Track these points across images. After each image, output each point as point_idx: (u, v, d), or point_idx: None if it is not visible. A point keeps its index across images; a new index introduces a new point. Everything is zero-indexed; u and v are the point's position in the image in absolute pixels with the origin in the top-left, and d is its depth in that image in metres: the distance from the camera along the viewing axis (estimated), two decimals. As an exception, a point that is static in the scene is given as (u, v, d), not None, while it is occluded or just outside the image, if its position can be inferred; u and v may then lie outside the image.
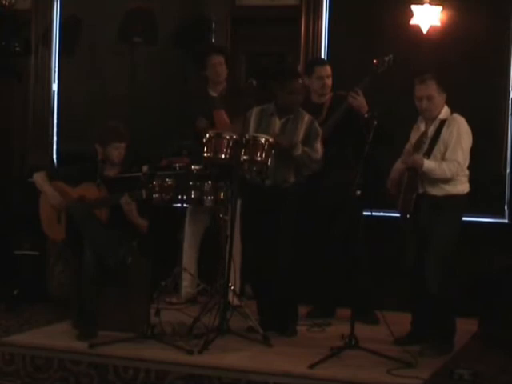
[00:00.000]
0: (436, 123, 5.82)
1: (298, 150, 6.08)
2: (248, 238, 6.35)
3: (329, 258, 6.66)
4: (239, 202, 6.32)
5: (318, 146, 6.20)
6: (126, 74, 8.07)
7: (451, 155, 5.74)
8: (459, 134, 5.77)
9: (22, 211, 7.35)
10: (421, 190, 5.81)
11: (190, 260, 7.18)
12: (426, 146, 5.78)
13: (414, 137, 5.96)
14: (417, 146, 5.80)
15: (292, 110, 6.21)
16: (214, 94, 7.03)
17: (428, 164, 5.71)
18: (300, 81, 6.26)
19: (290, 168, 6.17)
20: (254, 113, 6.26)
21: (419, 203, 5.80)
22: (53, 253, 6.73)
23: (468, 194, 5.87)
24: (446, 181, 5.76)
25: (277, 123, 6.22)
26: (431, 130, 5.83)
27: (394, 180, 5.97)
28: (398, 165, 6.00)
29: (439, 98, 5.81)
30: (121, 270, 6.09)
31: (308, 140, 6.17)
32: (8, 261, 7.24)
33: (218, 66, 7.03)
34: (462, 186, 5.84)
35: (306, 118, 6.24)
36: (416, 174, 5.77)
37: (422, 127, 5.90)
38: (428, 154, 5.76)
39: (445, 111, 5.85)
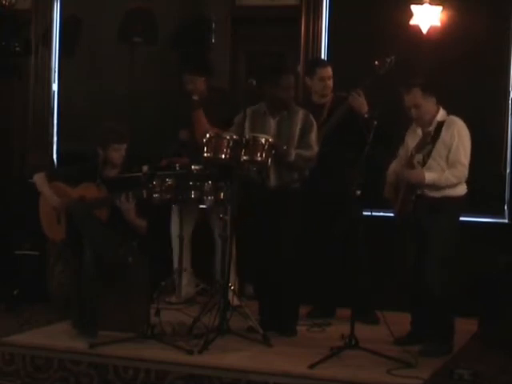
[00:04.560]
0: (434, 125, 5.78)
1: (292, 157, 6.08)
2: (251, 239, 6.34)
3: (329, 258, 6.67)
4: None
5: (312, 137, 6.17)
6: (126, 74, 8.06)
7: (454, 157, 5.71)
8: (460, 136, 5.75)
9: (22, 211, 7.35)
10: (419, 192, 5.79)
11: (185, 259, 7.16)
12: (429, 147, 5.71)
13: (410, 140, 5.91)
14: (419, 147, 5.72)
15: (286, 106, 6.19)
16: (194, 97, 7.00)
17: (429, 176, 5.68)
18: (292, 76, 6.22)
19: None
20: (248, 115, 6.21)
21: (417, 204, 5.79)
22: (53, 253, 6.73)
23: (466, 195, 5.86)
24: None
25: (271, 123, 6.21)
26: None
27: (390, 184, 5.95)
28: (394, 167, 5.98)
29: (427, 103, 5.76)
30: (121, 269, 6.09)
31: (303, 134, 6.16)
32: (8, 261, 7.23)
33: (189, 83, 7.00)
34: (460, 188, 5.82)
35: (301, 112, 6.22)
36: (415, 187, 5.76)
37: (419, 131, 5.86)
38: (428, 155, 5.75)
39: (441, 113, 5.82)
